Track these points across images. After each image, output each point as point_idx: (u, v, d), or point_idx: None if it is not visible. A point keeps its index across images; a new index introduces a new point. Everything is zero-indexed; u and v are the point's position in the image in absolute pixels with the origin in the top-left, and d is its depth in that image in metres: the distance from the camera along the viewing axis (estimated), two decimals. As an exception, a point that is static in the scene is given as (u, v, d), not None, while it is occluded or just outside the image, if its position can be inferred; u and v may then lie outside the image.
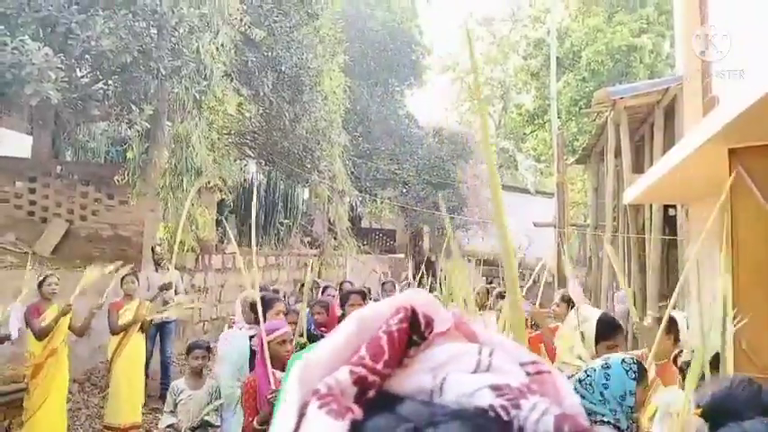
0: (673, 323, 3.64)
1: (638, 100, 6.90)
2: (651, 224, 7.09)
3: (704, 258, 5.95)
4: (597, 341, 3.04)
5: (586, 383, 2.35)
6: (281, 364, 3.38)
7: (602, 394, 2.26)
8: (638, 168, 7.84)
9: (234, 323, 5.40)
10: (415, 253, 22.04)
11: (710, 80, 5.78)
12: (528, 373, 0.50)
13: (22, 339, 5.79)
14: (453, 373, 0.49)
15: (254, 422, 3.32)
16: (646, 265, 7.44)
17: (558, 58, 19.58)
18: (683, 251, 6.46)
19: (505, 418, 0.43)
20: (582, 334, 3.11)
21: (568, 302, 4.50)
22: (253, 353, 3.86)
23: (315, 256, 14.87)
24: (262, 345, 3.42)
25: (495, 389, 0.45)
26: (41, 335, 5.56)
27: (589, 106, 11.93)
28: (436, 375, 0.49)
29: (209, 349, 4.66)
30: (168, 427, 4.33)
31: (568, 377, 3.11)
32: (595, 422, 2.20)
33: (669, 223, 7.41)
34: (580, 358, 3.06)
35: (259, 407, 3.35)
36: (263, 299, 4.11)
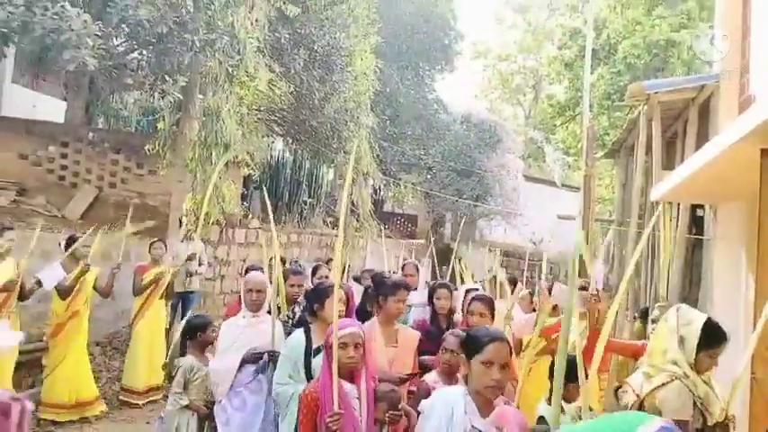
0: None
1: (672, 95, 6.77)
2: (678, 223, 7.00)
3: (731, 260, 5.87)
4: (699, 349, 2.78)
5: None
6: (344, 372, 2.85)
7: None
8: (669, 166, 7.71)
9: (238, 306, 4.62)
10: (435, 239, 22.03)
11: (748, 79, 5.65)
12: None
13: (46, 298, 5.95)
14: None
15: None
16: (670, 264, 7.35)
17: (593, 49, 19.22)
18: (710, 251, 6.37)
19: None
20: (681, 338, 2.83)
21: (580, 289, 4.52)
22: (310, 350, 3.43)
23: (336, 236, 14.96)
24: (328, 348, 2.88)
25: None
26: (64, 293, 5.71)
27: (622, 100, 11.73)
28: None
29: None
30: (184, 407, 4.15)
31: (661, 384, 2.77)
32: None
33: (696, 223, 7.30)
34: (675, 364, 2.80)
35: (319, 428, 2.79)
36: (318, 288, 3.65)
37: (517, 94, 31.61)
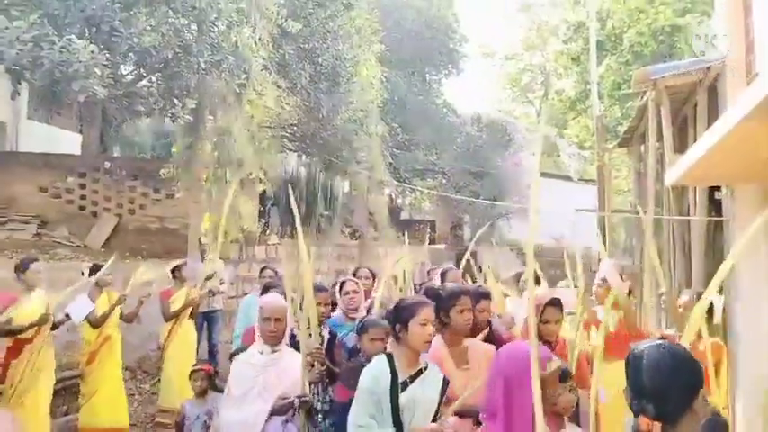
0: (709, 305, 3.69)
1: (679, 79, 6.71)
2: (696, 206, 6.94)
3: (751, 242, 5.79)
4: None
5: None
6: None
7: None
8: (682, 150, 7.64)
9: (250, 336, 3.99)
10: (455, 243, 21.99)
11: (754, 57, 5.61)
12: None
13: (75, 327, 6.05)
14: None
15: None
16: (690, 249, 7.27)
17: (599, 41, 19.16)
18: (729, 233, 6.30)
19: None
20: None
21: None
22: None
23: (355, 247, 15.03)
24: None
25: None
26: (97, 323, 5.80)
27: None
28: None
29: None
30: None
31: None
32: None
33: (715, 205, 7.22)
34: None
35: None
36: (401, 305, 2.92)
37: (526, 92, 31.54)
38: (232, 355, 3.89)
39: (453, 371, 3.10)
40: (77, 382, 6.08)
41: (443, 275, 5.33)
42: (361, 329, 3.67)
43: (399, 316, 2.87)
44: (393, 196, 21.04)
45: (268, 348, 3.35)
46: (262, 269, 6.86)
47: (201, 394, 4.23)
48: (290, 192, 4.48)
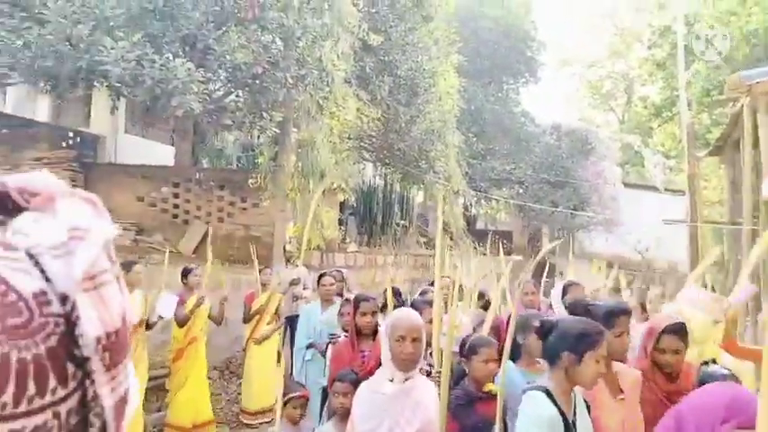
0: None
1: (777, 84, 6.41)
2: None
3: None
4: None
5: None
6: None
7: None
8: (781, 159, 7.25)
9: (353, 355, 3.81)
10: (533, 254, 21.58)
11: None
12: None
13: (167, 329, 6.40)
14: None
15: None
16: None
17: (686, 45, 18.44)
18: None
19: None
20: None
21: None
22: None
23: (430, 256, 15.07)
24: None
25: None
26: (182, 322, 6.12)
27: (722, 95, 11.14)
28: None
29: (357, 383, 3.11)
30: None
31: None
32: None
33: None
34: None
35: None
36: (577, 329, 2.31)
37: (608, 100, 30.68)
38: None
39: (610, 402, 2.59)
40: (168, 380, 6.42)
41: (565, 290, 4.74)
42: (471, 350, 3.10)
43: (574, 343, 2.27)
44: (468, 206, 20.94)
45: (400, 375, 2.65)
46: (320, 275, 6.08)
47: (297, 422, 3.90)
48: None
